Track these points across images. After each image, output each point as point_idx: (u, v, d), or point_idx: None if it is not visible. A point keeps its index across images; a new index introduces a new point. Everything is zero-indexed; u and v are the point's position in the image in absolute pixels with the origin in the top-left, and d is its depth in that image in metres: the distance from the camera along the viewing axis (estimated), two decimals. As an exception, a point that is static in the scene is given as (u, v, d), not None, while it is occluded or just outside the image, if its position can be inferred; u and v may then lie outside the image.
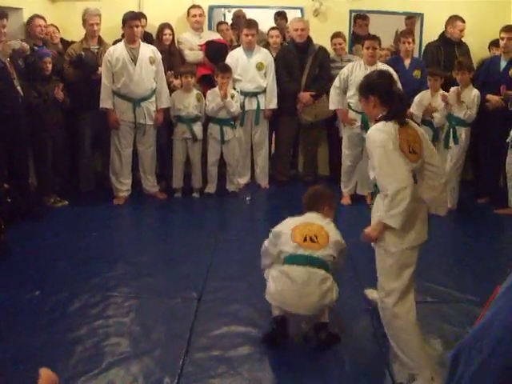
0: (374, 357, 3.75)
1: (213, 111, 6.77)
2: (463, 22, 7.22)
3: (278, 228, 4.07)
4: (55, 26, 7.11)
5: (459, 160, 6.52)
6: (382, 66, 6.54)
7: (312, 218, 4.07)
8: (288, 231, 3.96)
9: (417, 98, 6.76)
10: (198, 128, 6.87)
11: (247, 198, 7.07)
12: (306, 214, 4.14)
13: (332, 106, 6.76)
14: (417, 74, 7.08)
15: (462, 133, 6.46)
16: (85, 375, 3.42)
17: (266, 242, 4.15)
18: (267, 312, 3.93)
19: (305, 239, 3.86)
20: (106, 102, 6.53)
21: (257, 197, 7.26)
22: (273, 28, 7.71)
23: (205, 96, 6.87)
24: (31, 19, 6.66)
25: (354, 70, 6.53)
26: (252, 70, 7.06)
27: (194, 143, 6.89)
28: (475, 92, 6.39)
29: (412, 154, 3.31)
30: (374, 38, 6.66)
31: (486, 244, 5.70)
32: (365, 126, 6.52)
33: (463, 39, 7.32)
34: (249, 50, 7.08)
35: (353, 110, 6.67)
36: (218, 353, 3.71)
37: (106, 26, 6.98)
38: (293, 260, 3.83)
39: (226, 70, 6.76)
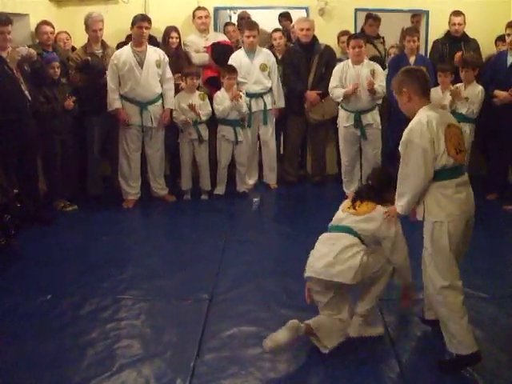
0: (386, 360, 3.73)
1: (224, 113, 6.79)
2: (459, 15, 7.19)
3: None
4: (67, 33, 7.13)
5: (465, 156, 6.49)
6: (369, 63, 6.70)
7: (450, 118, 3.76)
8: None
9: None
10: (203, 129, 6.89)
11: (256, 199, 7.08)
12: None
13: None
14: (422, 71, 7.06)
15: (467, 129, 6.40)
16: (97, 378, 3.44)
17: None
18: (278, 312, 3.94)
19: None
20: (114, 103, 6.53)
21: (266, 197, 7.27)
22: (275, 30, 7.70)
23: (211, 98, 6.88)
24: (38, 26, 6.69)
25: (344, 70, 6.63)
26: (256, 71, 7.06)
27: (200, 144, 6.89)
28: (479, 88, 6.37)
29: None
30: (359, 37, 6.76)
31: (495, 240, 5.66)
32: (357, 125, 6.54)
33: (471, 35, 7.29)
34: (251, 51, 7.07)
35: (345, 110, 6.73)
36: (230, 353, 3.73)
37: (112, 29, 7.01)
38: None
39: (232, 71, 6.78)
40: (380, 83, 6.55)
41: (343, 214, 3.87)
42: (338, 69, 6.73)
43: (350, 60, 6.68)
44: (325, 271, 3.65)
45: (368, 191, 3.91)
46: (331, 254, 3.67)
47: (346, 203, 3.93)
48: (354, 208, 3.82)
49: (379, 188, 3.89)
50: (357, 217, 3.78)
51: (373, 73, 6.56)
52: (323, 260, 3.68)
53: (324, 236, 3.88)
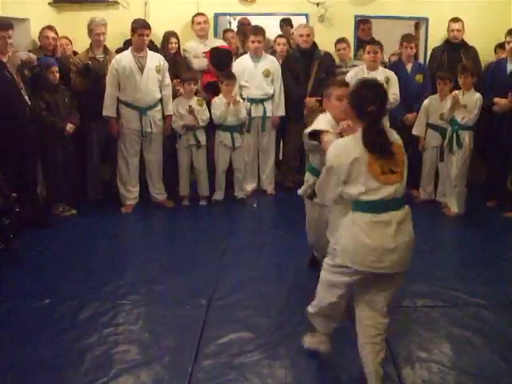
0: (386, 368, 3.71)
1: (221, 119, 6.78)
2: (457, 21, 7.21)
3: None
4: (68, 39, 7.13)
5: (464, 164, 6.47)
6: (384, 70, 6.69)
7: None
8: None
9: (425, 103, 6.75)
10: (201, 134, 6.89)
11: (254, 205, 7.09)
12: None
13: None
14: (419, 78, 7.07)
15: (466, 136, 6.41)
16: (94, 383, 3.43)
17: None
18: (277, 318, 3.93)
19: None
20: (109, 110, 6.53)
21: (264, 203, 7.27)
22: (280, 36, 7.71)
23: (210, 103, 6.88)
24: (41, 30, 6.73)
25: (359, 76, 6.58)
26: (259, 76, 7.07)
27: (198, 150, 6.89)
28: (478, 95, 6.36)
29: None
30: (375, 42, 6.75)
31: (495, 247, 5.67)
32: None
33: (470, 43, 7.30)
34: (256, 56, 7.08)
35: None
36: (228, 359, 3.71)
37: (112, 34, 7.01)
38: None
39: (231, 77, 6.77)
40: (394, 92, 6.60)
41: (384, 187, 3.07)
42: (353, 74, 6.71)
43: (365, 66, 6.74)
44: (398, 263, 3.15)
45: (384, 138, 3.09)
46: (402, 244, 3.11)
47: (374, 167, 3.06)
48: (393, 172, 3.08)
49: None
50: (401, 180, 3.13)
51: (387, 80, 6.57)
52: (397, 250, 3.10)
53: (377, 218, 3.10)
